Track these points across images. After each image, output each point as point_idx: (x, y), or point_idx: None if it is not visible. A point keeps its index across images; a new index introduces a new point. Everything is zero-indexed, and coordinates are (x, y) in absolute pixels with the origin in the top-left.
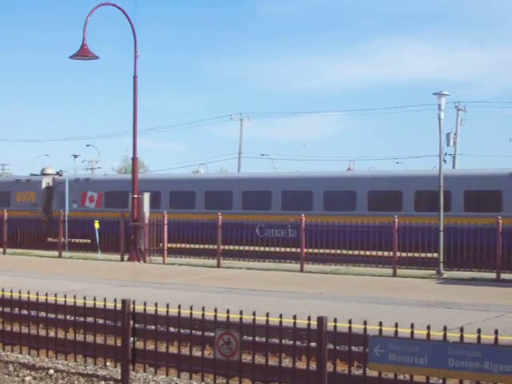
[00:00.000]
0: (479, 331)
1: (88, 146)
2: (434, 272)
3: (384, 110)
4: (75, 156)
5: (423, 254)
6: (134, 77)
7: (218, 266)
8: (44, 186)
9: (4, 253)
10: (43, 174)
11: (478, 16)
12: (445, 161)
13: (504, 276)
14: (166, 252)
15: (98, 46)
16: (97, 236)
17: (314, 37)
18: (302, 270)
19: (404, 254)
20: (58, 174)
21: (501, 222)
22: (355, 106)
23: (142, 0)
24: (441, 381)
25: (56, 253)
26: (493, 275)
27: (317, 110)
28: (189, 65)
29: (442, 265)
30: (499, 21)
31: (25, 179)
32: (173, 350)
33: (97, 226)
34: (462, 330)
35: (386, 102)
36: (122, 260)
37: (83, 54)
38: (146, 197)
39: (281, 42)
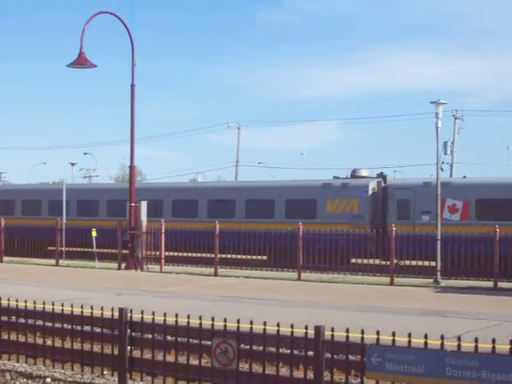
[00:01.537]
0: (476, 340)
1: (85, 154)
2: (432, 281)
3: (381, 118)
4: (73, 164)
5: (420, 263)
6: (132, 85)
7: (216, 274)
8: (370, 191)
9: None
10: (356, 176)
11: (473, 25)
12: (442, 169)
13: (501, 285)
14: (163, 260)
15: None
16: (94, 244)
17: (311, 46)
18: (299, 279)
19: (401, 263)
20: (380, 176)
21: (498, 230)
22: (352, 114)
23: (140, 6)
24: None
25: (53, 261)
26: (490, 284)
27: (314, 118)
28: (186, 72)
29: (439, 273)
30: (494, 30)
31: (339, 183)
32: (170, 358)
33: (94, 234)
34: (459, 339)
35: (383, 110)
36: (120, 268)
37: (81, 62)
38: (144, 205)
39: (278, 51)
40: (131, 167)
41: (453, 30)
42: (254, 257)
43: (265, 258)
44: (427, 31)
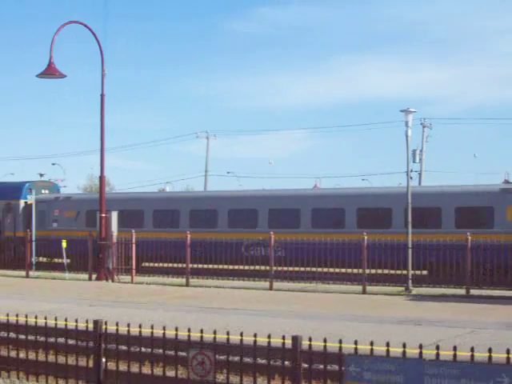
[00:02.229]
0: (455, 349)
1: (54, 164)
2: (403, 289)
3: (350, 127)
4: (41, 175)
5: (392, 271)
6: (102, 95)
7: (187, 284)
8: None
9: None
10: None
11: (441, 34)
12: (411, 178)
13: (473, 292)
14: (134, 271)
15: (67, 64)
16: (64, 255)
17: (279, 55)
18: (271, 288)
19: (373, 271)
20: None
21: (470, 238)
22: (321, 123)
23: (111, 18)
24: None
25: (23, 272)
26: (462, 291)
27: (283, 127)
28: (155, 82)
29: (410, 281)
30: (461, 39)
31: None
32: (146, 370)
33: (64, 245)
34: (437, 347)
35: (352, 119)
36: (90, 279)
37: (50, 72)
38: (114, 215)
39: (246, 60)
40: (101, 177)
41: (421, 39)
42: (231, 266)
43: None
44: (396, 40)
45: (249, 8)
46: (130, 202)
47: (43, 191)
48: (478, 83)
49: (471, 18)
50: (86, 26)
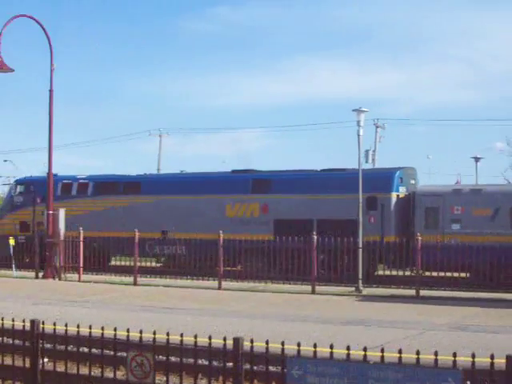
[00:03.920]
0: (400, 351)
1: (6, 161)
2: (353, 289)
3: (304, 126)
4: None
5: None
6: (50, 90)
7: (135, 283)
8: None
9: None
10: None
11: (394, 37)
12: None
13: (423, 293)
14: (81, 269)
15: (18, 61)
16: (11, 252)
17: (234, 54)
18: (220, 288)
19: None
20: None
21: (420, 239)
22: (275, 122)
23: (66, 17)
24: None
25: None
26: (412, 292)
27: (237, 126)
28: (111, 81)
29: (360, 282)
30: (413, 42)
31: None
32: (84, 370)
33: (11, 242)
34: (382, 350)
35: (306, 118)
36: (37, 277)
37: None
38: (62, 213)
39: (202, 60)
40: (49, 174)
41: (375, 41)
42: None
43: None
44: (350, 42)
45: (203, 8)
46: None
47: (412, 181)
48: (429, 85)
49: (422, 22)
50: (35, 19)
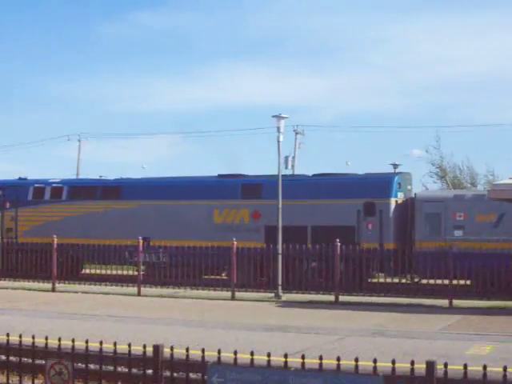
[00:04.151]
0: (321, 358)
1: None
2: (273, 295)
3: (223, 132)
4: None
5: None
6: None
7: (53, 290)
8: None
9: None
10: None
11: (316, 43)
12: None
13: (342, 298)
14: None
15: None
16: None
17: (155, 59)
18: (139, 294)
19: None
20: None
21: (339, 245)
22: (194, 128)
23: None
24: None
25: None
26: (331, 298)
27: (156, 131)
28: (31, 86)
29: (280, 288)
30: (334, 48)
31: None
32: (2, 379)
33: None
34: (303, 356)
35: (225, 124)
36: None
37: None
38: None
39: (122, 65)
40: None
41: (296, 47)
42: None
43: None
44: (272, 48)
45: (123, 13)
46: None
47: (408, 187)
48: (350, 92)
49: (346, 29)
50: None
